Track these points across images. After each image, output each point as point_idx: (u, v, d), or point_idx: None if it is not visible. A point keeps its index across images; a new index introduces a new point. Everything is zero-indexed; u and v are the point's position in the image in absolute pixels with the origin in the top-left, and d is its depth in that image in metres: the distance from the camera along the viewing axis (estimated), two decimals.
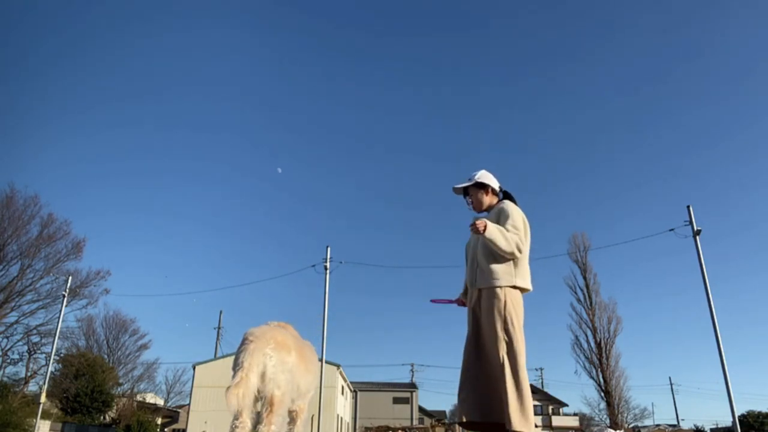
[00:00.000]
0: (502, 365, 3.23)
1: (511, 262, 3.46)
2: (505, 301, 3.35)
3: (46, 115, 59.28)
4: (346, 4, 79.70)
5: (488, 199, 3.80)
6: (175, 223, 73.86)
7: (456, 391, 3.50)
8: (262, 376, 2.79)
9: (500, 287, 3.39)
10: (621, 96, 74.83)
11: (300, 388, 3.20)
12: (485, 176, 3.81)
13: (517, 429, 3.08)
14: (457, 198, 3.97)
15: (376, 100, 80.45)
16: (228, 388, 2.68)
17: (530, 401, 3.21)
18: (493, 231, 3.33)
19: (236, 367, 2.76)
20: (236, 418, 2.75)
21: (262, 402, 2.87)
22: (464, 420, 3.38)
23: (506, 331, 3.29)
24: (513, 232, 3.42)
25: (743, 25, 66.06)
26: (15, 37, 51.40)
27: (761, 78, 66.82)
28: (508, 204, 3.62)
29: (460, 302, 3.90)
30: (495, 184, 3.82)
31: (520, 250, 3.42)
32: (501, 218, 3.53)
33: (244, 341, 2.88)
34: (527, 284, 3.49)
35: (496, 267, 3.44)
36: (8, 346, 28.02)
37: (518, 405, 3.13)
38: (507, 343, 3.27)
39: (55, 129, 58.72)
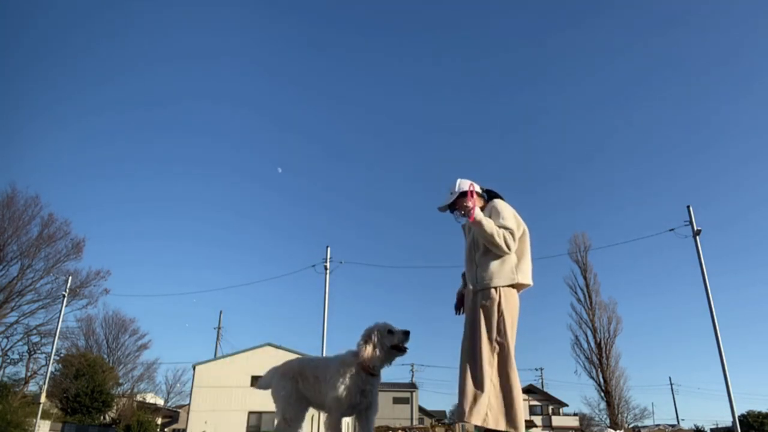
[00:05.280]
0: (472, 363, 3.32)
1: (512, 258, 3.50)
2: (494, 300, 3.40)
3: (44, 111, 59.28)
4: (341, 4, 79.79)
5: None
6: (175, 223, 73.96)
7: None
8: None
9: (495, 287, 3.44)
10: (621, 93, 74.91)
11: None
12: (463, 184, 3.78)
13: (466, 420, 3.14)
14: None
15: (376, 99, 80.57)
16: None
17: (494, 399, 3.22)
18: (480, 215, 3.42)
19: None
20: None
21: None
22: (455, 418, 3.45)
23: (483, 328, 3.36)
24: (504, 228, 3.46)
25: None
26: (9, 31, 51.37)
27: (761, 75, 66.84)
28: (497, 202, 3.66)
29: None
30: (476, 187, 3.81)
31: (509, 247, 3.44)
32: (493, 216, 3.57)
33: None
34: (528, 279, 3.54)
35: (495, 265, 3.48)
36: (8, 346, 27.98)
37: (472, 400, 3.18)
38: (482, 342, 3.33)
39: (51, 125, 58.73)
